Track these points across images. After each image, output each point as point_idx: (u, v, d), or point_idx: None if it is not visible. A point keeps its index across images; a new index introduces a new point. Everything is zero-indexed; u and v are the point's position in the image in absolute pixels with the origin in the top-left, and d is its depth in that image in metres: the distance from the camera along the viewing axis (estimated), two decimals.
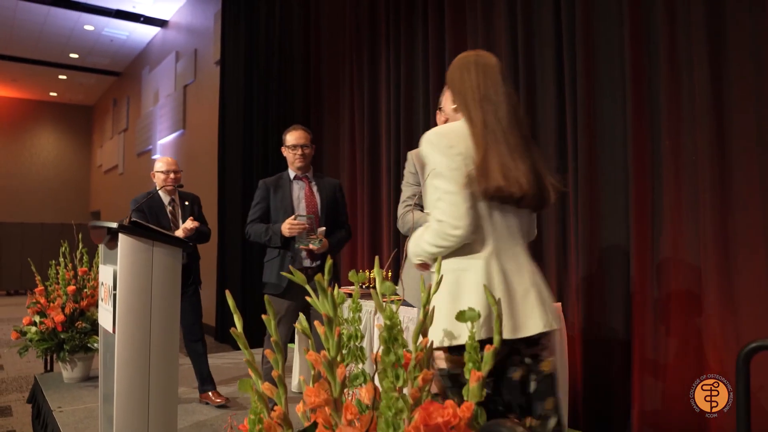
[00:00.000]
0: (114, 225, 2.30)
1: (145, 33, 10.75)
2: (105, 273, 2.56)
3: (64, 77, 13.53)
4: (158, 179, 3.81)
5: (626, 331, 3.07)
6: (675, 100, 2.91)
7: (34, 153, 15.84)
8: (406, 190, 2.68)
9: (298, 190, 3.29)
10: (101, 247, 2.73)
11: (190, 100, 9.10)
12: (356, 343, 1.06)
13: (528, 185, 1.58)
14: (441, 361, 1.55)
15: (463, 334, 1.46)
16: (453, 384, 1.53)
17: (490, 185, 1.55)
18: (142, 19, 9.94)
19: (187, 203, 3.87)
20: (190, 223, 3.56)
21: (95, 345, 3.94)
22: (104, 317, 2.54)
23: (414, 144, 4.55)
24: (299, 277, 0.99)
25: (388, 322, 0.92)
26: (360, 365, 1.07)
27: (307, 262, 3.21)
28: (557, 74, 3.46)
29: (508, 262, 1.61)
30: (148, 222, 3.46)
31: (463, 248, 1.59)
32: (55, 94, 15.19)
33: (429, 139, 1.65)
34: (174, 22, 9.90)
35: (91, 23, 10.17)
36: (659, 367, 2.93)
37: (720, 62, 2.69)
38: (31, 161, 15.76)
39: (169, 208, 3.77)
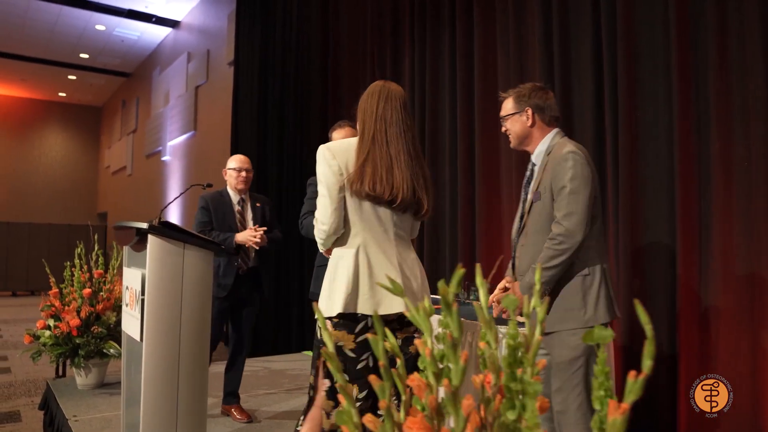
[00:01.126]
0: (144, 225, 2.17)
1: (157, 33, 10.66)
2: (131, 277, 2.42)
3: (74, 77, 13.45)
4: (229, 177, 3.61)
5: (671, 344, 2.92)
6: (725, 101, 2.76)
7: (41, 153, 15.76)
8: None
9: None
10: (126, 249, 2.59)
11: (201, 102, 8.99)
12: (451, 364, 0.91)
13: (402, 192, 1.98)
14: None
15: (335, 308, 1.92)
16: (336, 353, 1.77)
17: (363, 188, 1.95)
18: (154, 19, 9.85)
19: (258, 205, 3.66)
20: (251, 233, 3.33)
21: (111, 351, 3.80)
22: (130, 324, 2.40)
23: (440, 153, 4.43)
24: (398, 289, 0.86)
25: (511, 342, 0.78)
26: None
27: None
28: (595, 74, 3.32)
29: (378, 253, 2.00)
30: (212, 220, 3.34)
31: (342, 240, 2.02)
32: (64, 94, 15.12)
33: (318, 152, 2.04)
34: (186, 23, 9.81)
35: (102, 23, 10.09)
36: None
37: None
38: (38, 161, 15.68)
39: (237, 208, 3.57)
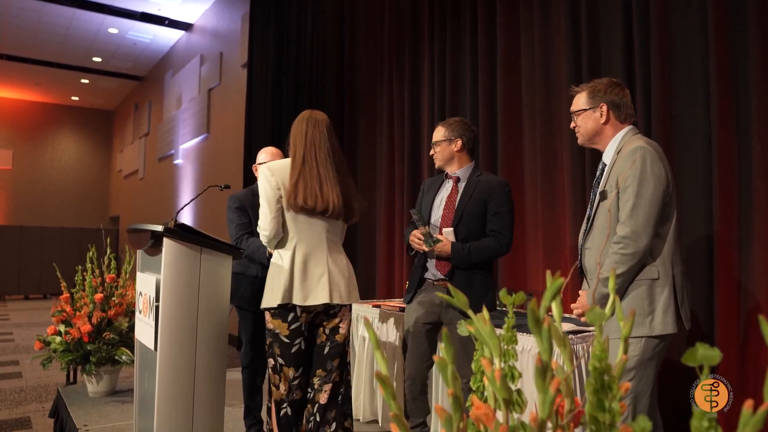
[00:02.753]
0: (159, 228, 2.06)
1: (169, 36, 10.63)
2: (145, 282, 2.31)
3: (87, 81, 13.47)
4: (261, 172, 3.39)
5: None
6: (767, 101, 2.62)
7: (54, 157, 15.80)
8: None
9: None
10: (140, 253, 2.49)
11: (214, 104, 8.93)
12: (514, 386, 0.80)
13: (332, 204, 2.41)
14: (269, 323, 2.40)
15: (275, 300, 2.33)
16: (274, 339, 2.37)
17: (297, 203, 2.36)
18: (166, 22, 9.82)
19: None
20: None
21: (123, 358, 3.70)
22: (143, 331, 2.30)
23: None
24: (461, 300, 0.74)
25: (597, 365, 0.66)
26: (516, 415, 0.81)
27: (432, 273, 2.83)
28: (627, 75, 3.19)
29: (310, 254, 2.40)
30: (251, 221, 3.12)
31: (281, 243, 2.44)
32: (76, 98, 15.15)
33: (260, 170, 2.52)
34: (199, 26, 9.76)
35: (115, 26, 10.07)
36: (747, 394, 2.63)
37: None
38: (51, 165, 15.71)
39: None
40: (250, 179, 6.95)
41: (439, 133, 2.90)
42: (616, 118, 2.18)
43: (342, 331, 2.48)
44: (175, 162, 10.40)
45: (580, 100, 2.24)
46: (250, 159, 7.06)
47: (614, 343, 1.94)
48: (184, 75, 10.15)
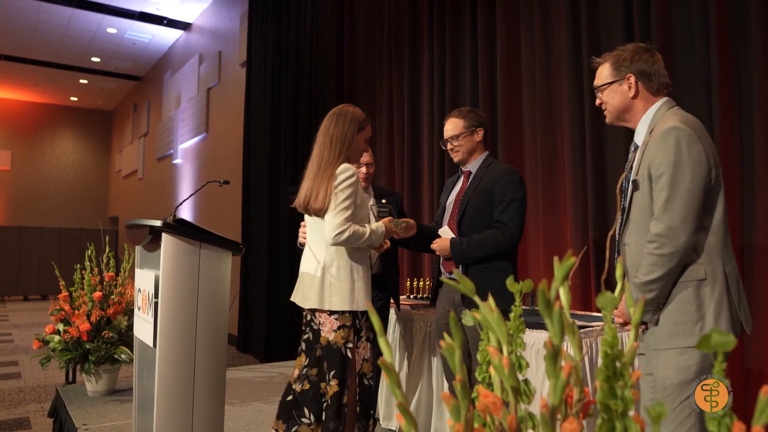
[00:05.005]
0: (158, 223, 2.04)
1: (168, 36, 10.60)
2: (144, 278, 2.29)
3: (85, 81, 13.44)
4: None
5: None
6: None
7: (53, 158, 15.77)
8: None
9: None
10: (138, 249, 2.47)
11: (213, 104, 8.91)
12: (521, 375, 0.78)
13: (301, 199, 2.42)
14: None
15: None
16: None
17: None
18: (165, 21, 9.80)
19: (384, 201, 3.17)
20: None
21: (122, 356, 3.68)
22: (142, 328, 2.27)
23: None
24: (467, 286, 0.71)
25: (609, 351, 0.63)
26: (523, 405, 0.79)
27: (443, 273, 2.73)
28: None
29: (310, 254, 2.41)
30: None
31: None
32: (75, 98, 15.12)
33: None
34: (197, 25, 9.74)
35: (113, 26, 10.04)
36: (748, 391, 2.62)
37: None
38: (50, 166, 15.69)
39: None
40: (248, 179, 6.93)
41: (458, 125, 2.66)
42: (647, 89, 1.86)
43: (323, 334, 2.32)
44: (174, 162, 10.37)
45: (604, 72, 1.93)
46: (249, 157, 7.04)
47: (664, 354, 1.73)
48: (183, 74, 10.13)
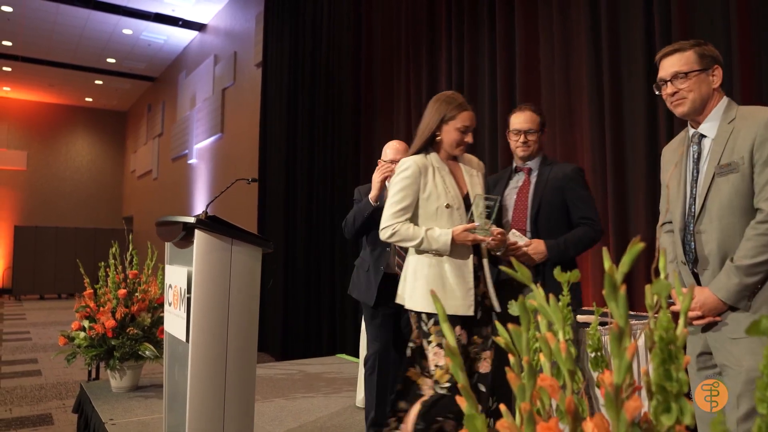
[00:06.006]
0: (191, 220, 2.09)
1: (183, 37, 10.70)
2: (175, 274, 2.34)
3: (100, 82, 13.58)
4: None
5: None
6: None
7: (68, 158, 15.94)
8: None
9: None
10: (168, 246, 2.52)
11: (228, 104, 8.99)
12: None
13: None
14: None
15: None
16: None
17: None
18: (180, 23, 9.89)
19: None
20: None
21: (147, 353, 3.74)
22: (174, 323, 2.32)
23: (479, 150, 4.29)
24: (524, 274, 0.75)
25: (664, 335, 0.67)
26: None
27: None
28: (647, 67, 3.17)
29: None
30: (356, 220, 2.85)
31: None
32: (90, 99, 15.28)
33: None
34: (212, 26, 9.83)
35: (129, 27, 10.15)
36: None
37: None
38: (65, 166, 15.86)
39: None
40: (264, 179, 6.99)
41: (534, 119, 2.56)
42: (721, 85, 1.86)
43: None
44: (189, 162, 10.47)
45: (690, 59, 1.85)
46: (265, 157, 7.09)
47: (747, 343, 1.66)
48: (198, 75, 10.22)
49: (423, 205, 2.25)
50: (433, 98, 2.40)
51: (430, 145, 2.35)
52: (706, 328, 1.76)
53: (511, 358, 0.79)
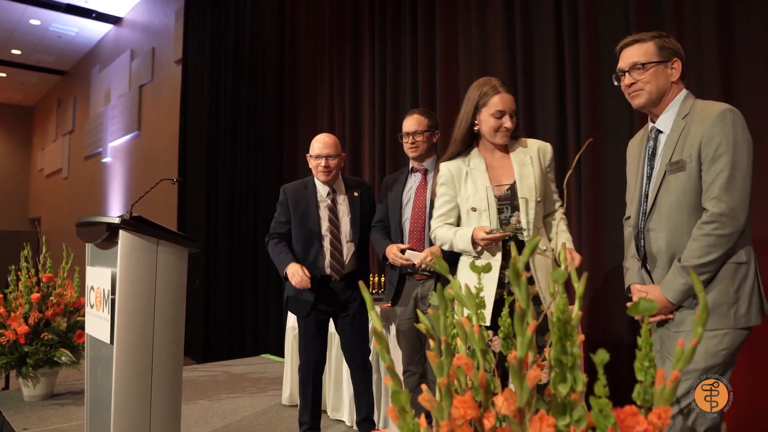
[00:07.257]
0: (115, 220, 2.06)
1: (97, 30, 10.23)
2: (97, 276, 2.29)
3: (3, 75, 12.73)
4: (311, 165, 2.90)
5: (632, 336, 3.01)
6: None
7: None
8: None
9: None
10: (89, 248, 2.45)
11: (146, 101, 8.70)
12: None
13: None
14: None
15: None
16: None
17: None
18: (94, 15, 9.46)
19: (356, 194, 2.92)
20: (302, 275, 2.65)
21: (63, 359, 3.60)
22: (96, 326, 2.28)
23: (399, 153, 4.39)
24: (442, 266, 0.84)
25: (561, 316, 0.78)
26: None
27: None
28: (558, 72, 3.40)
29: None
30: (289, 220, 2.81)
31: None
32: None
33: None
34: (129, 20, 9.46)
35: (37, 17, 9.59)
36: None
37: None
38: None
39: (327, 203, 2.85)
40: (184, 178, 6.82)
41: (422, 122, 2.79)
42: (680, 78, 1.82)
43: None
44: (104, 160, 10.03)
45: (649, 50, 1.80)
46: (185, 156, 6.93)
47: (682, 336, 1.70)
48: (113, 70, 9.81)
49: (461, 209, 2.21)
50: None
51: (473, 139, 2.23)
52: (659, 323, 1.80)
53: (432, 343, 0.89)
